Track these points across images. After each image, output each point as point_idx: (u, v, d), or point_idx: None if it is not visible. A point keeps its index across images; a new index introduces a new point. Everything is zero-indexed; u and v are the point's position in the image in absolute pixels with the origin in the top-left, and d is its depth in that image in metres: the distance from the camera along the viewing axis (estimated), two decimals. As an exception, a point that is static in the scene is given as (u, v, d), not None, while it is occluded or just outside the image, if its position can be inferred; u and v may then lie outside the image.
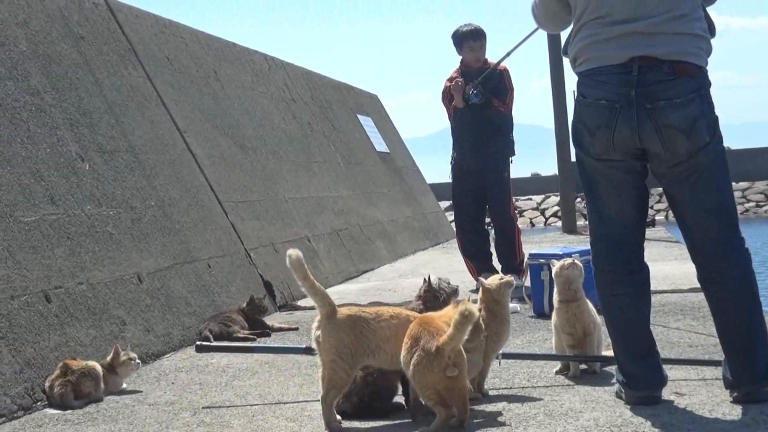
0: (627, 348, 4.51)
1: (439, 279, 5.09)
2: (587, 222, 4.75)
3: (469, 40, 9.17)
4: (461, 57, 9.34)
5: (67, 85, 7.49)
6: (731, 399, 4.35)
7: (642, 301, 4.57)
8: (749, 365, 4.34)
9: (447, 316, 4.23)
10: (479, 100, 9.01)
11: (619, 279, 4.52)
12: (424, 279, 5.08)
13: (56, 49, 7.61)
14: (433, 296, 4.94)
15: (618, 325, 4.54)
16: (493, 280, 4.91)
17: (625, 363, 4.50)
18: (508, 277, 4.97)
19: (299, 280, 4.36)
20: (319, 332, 4.35)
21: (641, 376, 4.45)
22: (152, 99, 9.00)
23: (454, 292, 5.00)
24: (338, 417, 4.38)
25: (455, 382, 4.12)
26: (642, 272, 4.57)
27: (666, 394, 4.50)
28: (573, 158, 20.40)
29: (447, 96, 9.33)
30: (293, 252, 4.32)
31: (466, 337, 4.10)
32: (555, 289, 5.29)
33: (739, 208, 39.25)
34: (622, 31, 4.30)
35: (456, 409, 4.15)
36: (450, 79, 9.34)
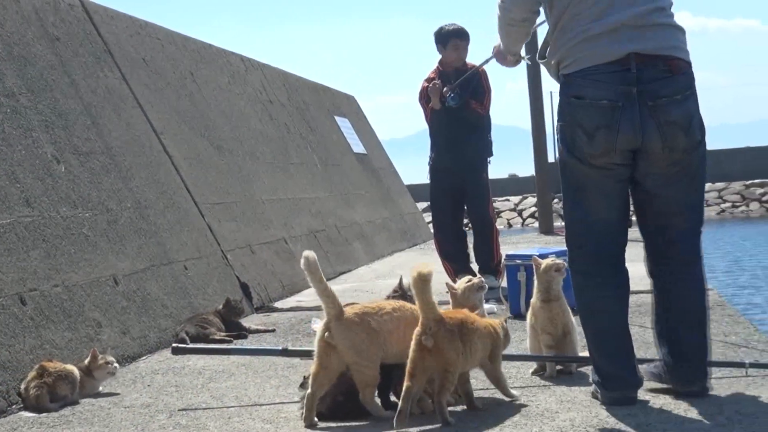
0: (606, 349, 4.49)
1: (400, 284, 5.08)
2: (564, 223, 4.72)
3: (455, 38, 9.15)
4: (441, 56, 9.32)
5: (42, 86, 7.46)
6: (676, 394, 4.49)
7: (623, 303, 4.58)
8: (704, 359, 4.50)
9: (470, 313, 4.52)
10: (456, 104, 8.99)
11: (604, 282, 4.51)
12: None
13: (31, 50, 7.58)
14: (402, 297, 4.92)
15: (599, 326, 4.51)
16: (459, 284, 4.89)
17: (604, 364, 4.49)
18: (476, 279, 4.94)
19: (313, 281, 4.40)
20: (328, 334, 4.36)
21: (619, 376, 4.44)
22: (128, 100, 8.97)
23: None
24: (315, 419, 4.39)
25: (435, 359, 4.19)
26: (624, 275, 4.58)
27: (641, 394, 4.51)
28: (551, 159, 20.47)
29: (424, 97, 9.31)
30: (309, 254, 4.37)
31: (433, 298, 4.24)
32: (535, 289, 5.26)
33: (716, 209, 39.73)
34: (611, 26, 4.28)
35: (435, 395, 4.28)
36: (428, 80, 9.33)
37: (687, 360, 4.48)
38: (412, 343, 4.23)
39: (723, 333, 6.10)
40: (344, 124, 17.84)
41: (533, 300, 5.26)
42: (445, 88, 9.00)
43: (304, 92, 16.25)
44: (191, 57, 11.51)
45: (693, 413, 4.17)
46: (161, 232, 8.14)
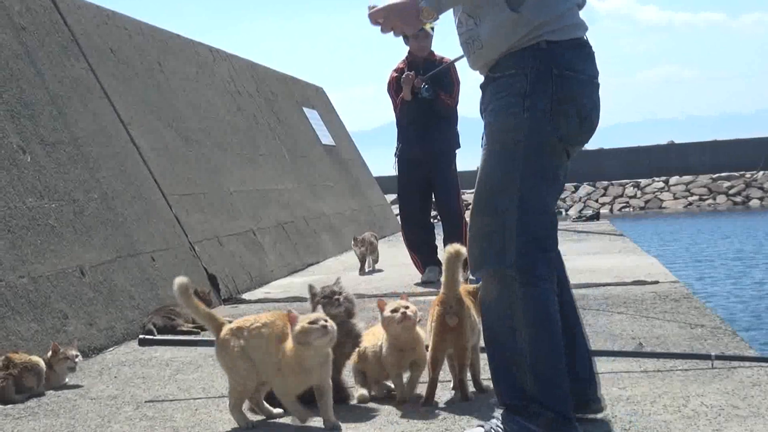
0: (562, 365, 3.69)
1: (323, 287, 4.66)
2: (512, 221, 3.68)
3: None
4: (408, 47, 9.37)
5: (7, 76, 7.40)
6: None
7: None
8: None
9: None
10: (430, 95, 9.04)
11: (554, 290, 3.74)
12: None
13: (-3, 39, 7.52)
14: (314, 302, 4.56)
15: (557, 342, 3.69)
16: (302, 321, 4.08)
17: (564, 384, 3.68)
18: (315, 326, 4.04)
19: (186, 307, 4.41)
20: (216, 353, 4.36)
21: (569, 401, 3.71)
22: (95, 91, 8.91)
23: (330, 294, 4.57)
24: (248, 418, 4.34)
25: (455, 338, 4.30)
26: None
27: (608, 386, 4.53)
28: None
29: (393, 87, 9.33)
30: (179, 280, 4.31)
31: (460, 278, 4.28)
32: None
33: (683, 202, 40.03)
34: None
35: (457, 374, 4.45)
36: (397, 70, 9.36)
37: (591, 391, 3.99)
38: (434, 325, 4.29)
39: (689, 325, 6.14)
40: (313, 115, 17.82)
41: None
42: (417, 79, 9.03)
43: (272, 83, 16.21)
44: (159, 47, 11.45)
45: (659, 405, 4.19)
46: (128, 223, 8.10)
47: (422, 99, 9.08)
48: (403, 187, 9.58)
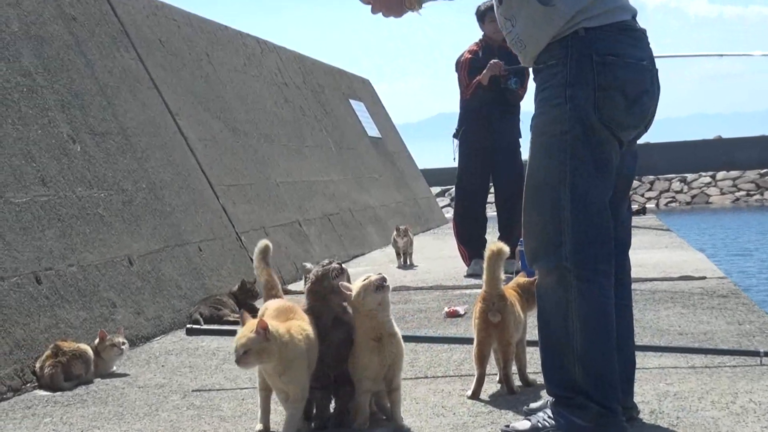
0: (612, 360, 3.64)
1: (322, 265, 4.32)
2: (566, 214, 3.61)
3: (491, 11, 9.24)
4: (483, 32, 9.43)
5: (58, 66, 7.46)
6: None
7: None
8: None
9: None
10: (517, 87, 9.11)
11: (612, 284, 3.67)
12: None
13: (48, 29, 7.58)
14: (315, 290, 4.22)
15: (613, 339, 3.64)
16: (355, 284, 4.01)
17: (613, 378, 3.63)
18: (374, 277, 3.97)
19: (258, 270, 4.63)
20: None
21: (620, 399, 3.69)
22: (144, 81, 8.97)
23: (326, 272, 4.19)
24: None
25: (498, 334, 4.33)
26: None
27: (655, 381, 4.51)
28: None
29: (466, 68, 9.33)
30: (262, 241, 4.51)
31: (502, 274, 4.34)
32: None
33: (730, 197, 39.70)
34: None
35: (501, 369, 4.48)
36: (470, 52, 9.42)
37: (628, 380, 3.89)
38: (477, 322, 4.34)
39: (737, 321, 6.09)
40: (359, 107, 17.84)
41: None
42: (503, 69, 9.05)
43: (319, 75, 16.24)
44: (207, 38, 11.51)
45: (707, 401, 4.16)
46: (176, 213, 8.15)
47: (497, 86, 9.12)
48: (465, 176, 9.54)
